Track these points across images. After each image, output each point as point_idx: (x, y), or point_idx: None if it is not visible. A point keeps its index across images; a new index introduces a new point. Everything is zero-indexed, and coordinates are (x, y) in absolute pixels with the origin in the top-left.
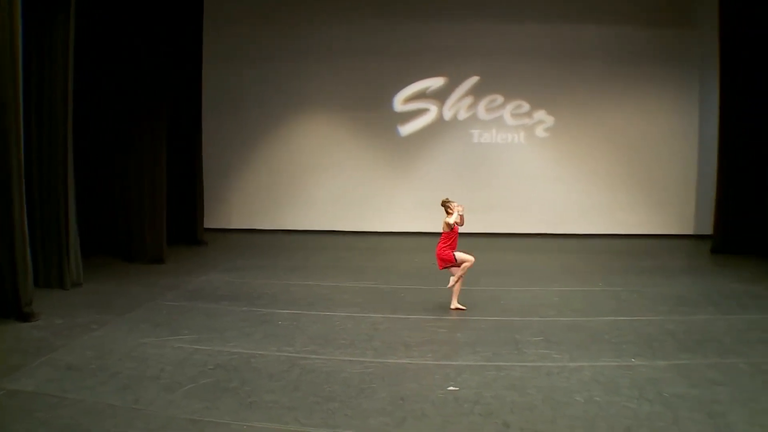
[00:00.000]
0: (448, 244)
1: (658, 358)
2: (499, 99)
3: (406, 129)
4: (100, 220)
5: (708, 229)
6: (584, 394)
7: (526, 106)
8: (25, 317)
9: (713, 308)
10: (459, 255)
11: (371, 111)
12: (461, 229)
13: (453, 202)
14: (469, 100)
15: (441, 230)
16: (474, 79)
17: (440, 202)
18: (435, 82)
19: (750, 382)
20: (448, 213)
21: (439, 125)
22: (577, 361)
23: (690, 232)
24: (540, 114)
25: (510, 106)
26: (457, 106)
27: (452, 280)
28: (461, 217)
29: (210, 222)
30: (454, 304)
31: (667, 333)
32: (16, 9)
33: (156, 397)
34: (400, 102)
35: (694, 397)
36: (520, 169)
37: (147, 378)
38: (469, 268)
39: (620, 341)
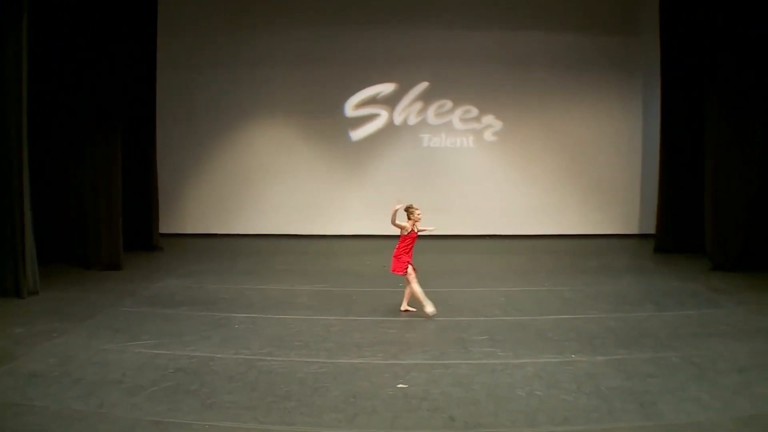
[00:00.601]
0: (404, 248)
1: (597, 354)
2: (448, 104)
3: (358, 134)
4: (55, 228)
5: (651, 229)
6: (526, 388)
7: (474, 111)
8: None
9: (653, 306)
10: (411, 276)
11: (323, 116)
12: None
13: (417, 210)
14: (418, 105)
15: (398, 233)
16: (423, 85)
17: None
18: (385, 88)
19: (680, 374)
20: (409, 218)
21: (390, 130)
22: (520, 358)
23: (634, 231)
24: (488, 118)
25: (459, 111)
26: (407, 111)
27: (404, 299)
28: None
29: (165, 227)
30: (404, 306)
31: (608, 330)
32: None
33: (120, 401)
34: (351, 107)
35: (628, 389)
36: (469, 173)
37: (110, 383)
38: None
39: (562, 339)
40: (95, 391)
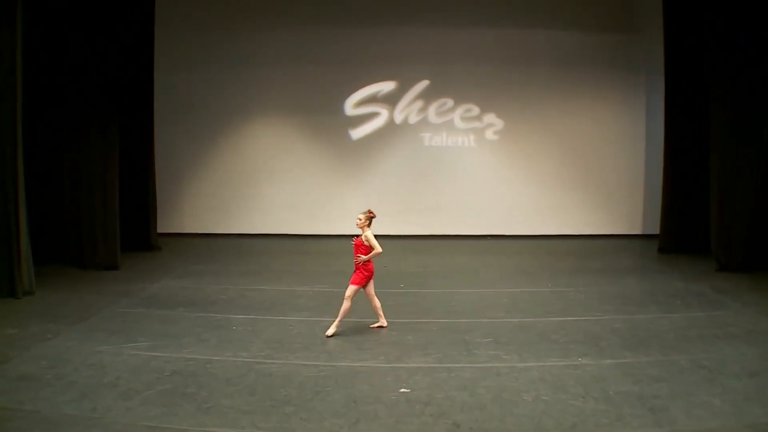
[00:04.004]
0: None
1: (603, 357)
2: (450, 103)
3: (358, 133)
4: (52, 228)
5: (655, 229)
6: (532, 393)
7: (476, 110)
8: None
9: (658, 307)
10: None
11: (322, 115)
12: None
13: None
14: (419, 104)
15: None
16: (424, 83)
17: (367, 214)
18: (386, 86)
19: (690, 378)
20: (369, 225)
21: (390, 129)
22: (525, 362)
23: (638, 232)
24: (490, 117)
25: (460, 110)
26: (407, 109)
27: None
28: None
29: (163, 227)
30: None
31: (613, 332)
32: None
33: (114, 405)
34: (351, 106)
35: (637, 394)
36: (471, 172)
37: (104, 386)
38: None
39: (568, 341)
40: (88, 394)
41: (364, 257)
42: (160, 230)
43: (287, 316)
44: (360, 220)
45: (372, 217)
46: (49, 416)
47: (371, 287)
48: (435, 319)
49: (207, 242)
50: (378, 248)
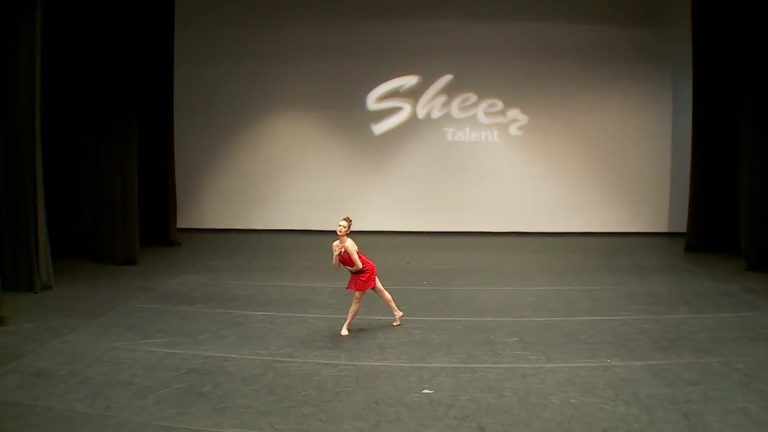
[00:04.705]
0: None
1: (633, 359)
2: (473, 97)
3: (380, 128)
4: (71, 222)
5: (682, 227)
6: (560, 395)
7: (499, 105)
8: None
9: (687, 307)
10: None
11: (344, 110)
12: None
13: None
14: (442, 98)
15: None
16: (447, 78)
17: (348, 222)
18: (408, 81)
19: (724, 382)
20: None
21: (413, 124)
22: (552, 362)
23: (664, 230)
24: (514, 112)
25: (483, 105)
26: (430, 104)
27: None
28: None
29: (183, 222)
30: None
31: (642, 332)
32: None
33: (127, 404)
34: (373, 100)
35: (670, 398)
36: (494, 168)
37: (118, 383)
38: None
39: (595, 341)
40: (102, 392)
41: (351, 269)
42: (179, 225)
43: (307, 313)
44: (343, 227)
45: (350, 225)
46: (63, 414)
47: (377, 283)
48: (459, 317)
49: (227, 238)
50: (359, 265)
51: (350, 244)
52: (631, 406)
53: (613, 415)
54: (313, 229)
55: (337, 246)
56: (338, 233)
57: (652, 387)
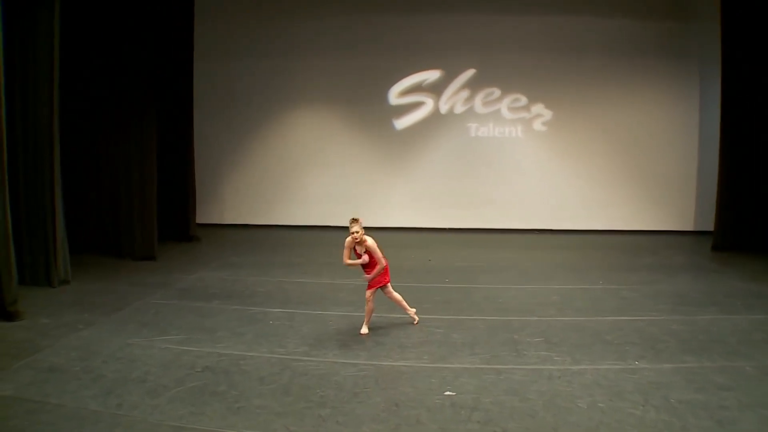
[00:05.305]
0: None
1: (662, 361)
2: (497, 92)
3: (402, 123)
4: (89, 217)
5: (709, 226)
6: (587, 399)
7: (523, 100)
8: (10, 317)
9: (716, 308)
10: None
11: (366, 104)
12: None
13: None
14: (465, 93)
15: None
16: (470, 72)
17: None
18: (431, 75)
19: (758, 387)
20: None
21: (436, 119)
22: (579, 364)
23: (690, 228)
24: (538, 108)
25: (507, 100)
26: (453, 99)
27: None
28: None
29: (202, 217)
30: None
31: (671, 334)
32: None
33: (140, 402)
34: (395, 95)
35: (702, 403)
36: (518, 164)
37: (132, 381)
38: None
39: (623, 342)
40: (115, 389)
41: (358, 261)
42: (199, 221)
43: (327, 310)
44: (358, 232)
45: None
46: (74, 412)
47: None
48: (482, 316)
49: (246, 233)
50: (383, 262)
51: (372, 242)
52: (662, 412)
53: (642, 420)
54: (334, 225)
55: (351, 243)
56: (355, 238)
57: (683, 391)
